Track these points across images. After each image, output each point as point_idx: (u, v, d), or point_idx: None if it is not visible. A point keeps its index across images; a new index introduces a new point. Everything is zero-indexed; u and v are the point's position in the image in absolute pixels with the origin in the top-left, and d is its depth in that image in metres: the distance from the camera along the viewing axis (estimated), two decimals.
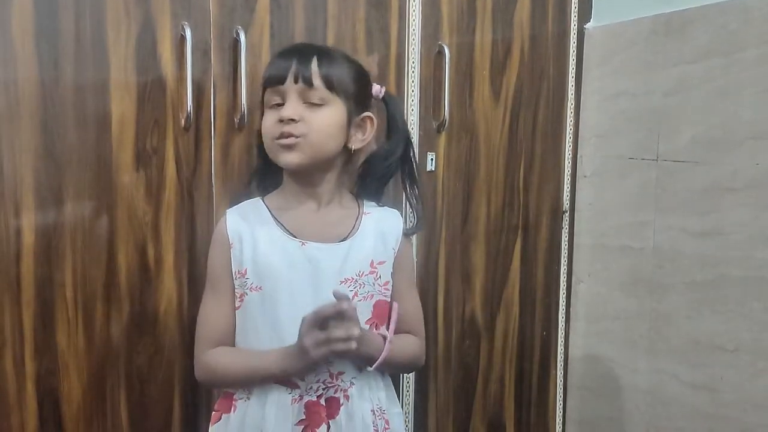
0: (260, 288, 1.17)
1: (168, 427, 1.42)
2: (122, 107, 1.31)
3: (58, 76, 1.25)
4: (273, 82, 1.17)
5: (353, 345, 1.08)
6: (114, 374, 1.35)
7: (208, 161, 1.40)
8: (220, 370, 1.20)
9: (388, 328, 1.20)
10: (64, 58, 1.25)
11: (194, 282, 1.40)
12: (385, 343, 1.17)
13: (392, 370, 1.29)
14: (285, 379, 1.16)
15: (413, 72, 1.60)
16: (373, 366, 1.17)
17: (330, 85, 1.16)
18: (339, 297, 1.08)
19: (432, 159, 1.64)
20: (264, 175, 1.29)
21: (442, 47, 1.62)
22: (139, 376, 1.38)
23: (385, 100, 1.28)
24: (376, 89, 1.26)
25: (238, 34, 1.38)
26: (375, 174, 1.28)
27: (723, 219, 1.56)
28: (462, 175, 1.71)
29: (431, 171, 1.65)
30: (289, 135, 1.14)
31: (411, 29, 1.59)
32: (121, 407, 1.37)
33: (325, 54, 1.18)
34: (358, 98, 1.21)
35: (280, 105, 1.16)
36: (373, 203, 1.29)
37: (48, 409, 1.30)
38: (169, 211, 1.37)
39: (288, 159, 1.17)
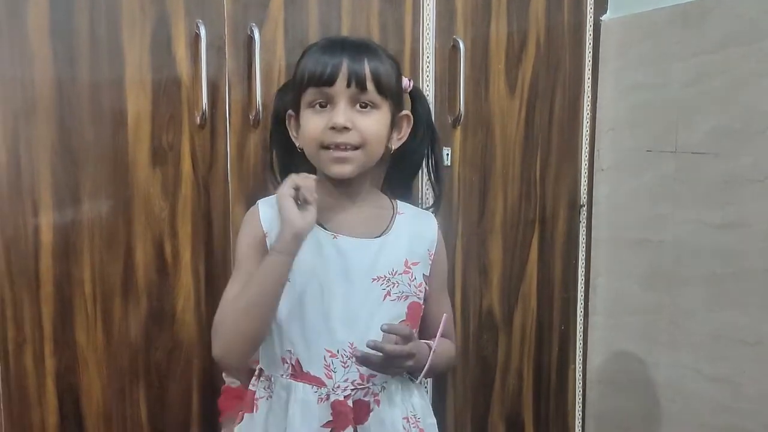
0: (289, 279, 1.12)
1: (187, 422, 1.43)
2: (138, 105, 1.31)
3: (74, 74, 1.26)
4: (320, 82, 1.08)
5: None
6: (133, 370, 1.36)
7: (223, 158, 1.40)
8: (229, 310, 1.09)
9: (431, 338, 1.16)
10: (79, 56, 1.26)
11: (211, 277, 1.41)
12: (429, 354, 1.14)
13: (432, 376, 1.26)
14: (310, 377, 1.12)
15: (428, 66, 1.60)
16: (419, 378, 1.15)
17: (380, 88, 1.10)
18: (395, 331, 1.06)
19: (448, 154, 1.64)
20: (287, 167, 1.21)
21: (457, 41, 1.61)
22: (158, 371, 1.39)
23: (413, 93, 1.24)
24: (405, 83, 1.22)
25: (252, 31, 1.38)
26: (403, 169, 1.25)
27: (743, 211, 1.54)
28: (478, 170, 1.70)
29: (447, 166, 1.64)
30: (343, 146, 1.09)
31: (425, 23, 1.59)
32: (140, 403, 1.38)
33: (373, 53, 1.11)
34: (399, 96, 1.17)
35: (324, 106, 1.10)
36: (408, 204, 1.25)
37: (68, 406, 1.31)
38: (185, 208, 1.38)
39: (340, 171, 1.11)
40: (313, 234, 1.11)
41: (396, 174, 1.26)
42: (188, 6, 1.34)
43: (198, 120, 1.36)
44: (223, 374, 1.39)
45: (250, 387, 1.19)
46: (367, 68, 1.08)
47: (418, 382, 1.16)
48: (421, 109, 1.23)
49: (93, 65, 1.27)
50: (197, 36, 1.34)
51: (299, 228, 1.05)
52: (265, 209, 1.17)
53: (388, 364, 1.07)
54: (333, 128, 1.08)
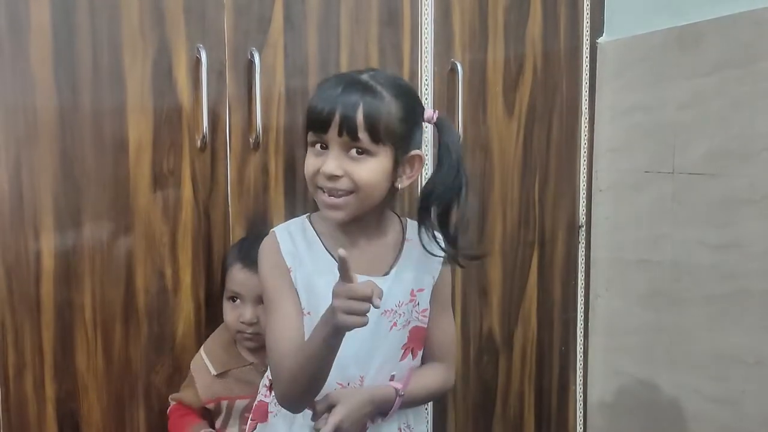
0: (309, 313, 1.14)
1: None
2: (139, 130, 1.32)
3: (76, 101, 1.27)
4: (314, 127, 1.10)
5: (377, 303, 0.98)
6: (133, 395, 1.36)
7: (224, 181, 1.41)
8: (290, 371, 1.10)
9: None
10: (81, 83, 1.27)
11: (211, 301, 1.41)
12: (396, 397, 1.16)
13: (417, 405, 1.26)
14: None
15: (426, 89, 1.61)
16: (384, 419, 1.17)
17: (375, 136, 1.08)
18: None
19: None
20: None
21: (455, 64, 1.63)
22: (158, 396, 1.38)
23: (438, 125, 1.20)
24: (429, 114, 1.19)
25: (252, 55, 1.39)
26: (428, 206, 1.19)
27: (741, 231, 1.54)
28: (477, 192, 1.71)
29: None
30: (336, 192, 1.09)
31: (423, 47, 1.60)
32: (140, 428, 1.37)
33: (371, 97, 1.08)
34: (407, 138, 1.13)
35: (323, 148, 1.10)
36: (416, 225, 1.20)
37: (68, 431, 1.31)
38: (186, 232, 1.38)
39: (333, 216, 1.12)
40: (333, 271, 1.04)
41: (429, 211, 1.19)
42: (189, 31, 1.35)
43: (198, 144, 1.37)
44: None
45: (264, 399, 1.23)
46: (360, 117, 1.07)
47: (384, 421, 1.18)
48: (447, 140, 1.18)
49: (95, 92, 1.28)
50: (198, 61, 1.35)
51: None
52: (285, 241, 1.17)
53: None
54: (324, 174, 1.09)
